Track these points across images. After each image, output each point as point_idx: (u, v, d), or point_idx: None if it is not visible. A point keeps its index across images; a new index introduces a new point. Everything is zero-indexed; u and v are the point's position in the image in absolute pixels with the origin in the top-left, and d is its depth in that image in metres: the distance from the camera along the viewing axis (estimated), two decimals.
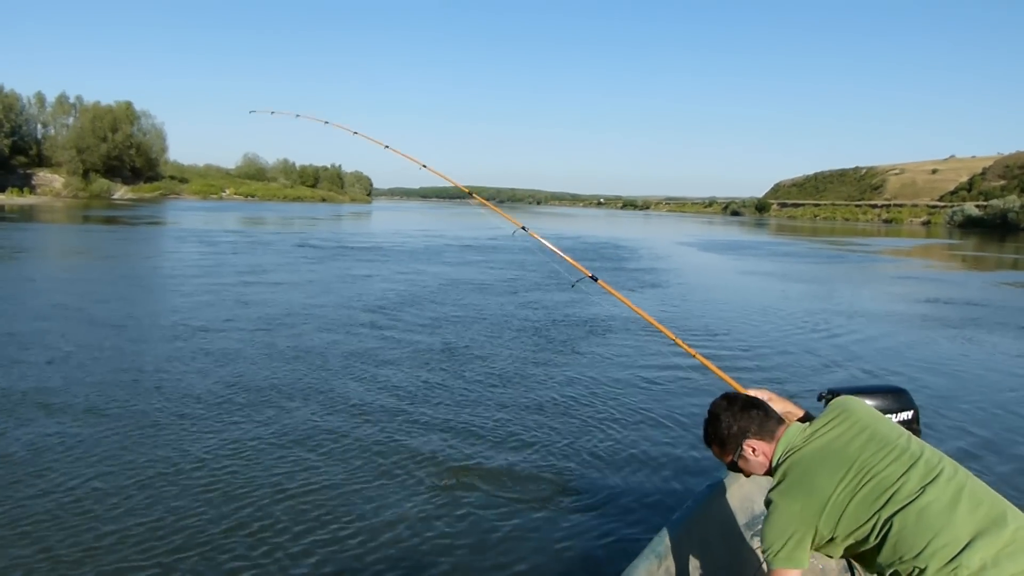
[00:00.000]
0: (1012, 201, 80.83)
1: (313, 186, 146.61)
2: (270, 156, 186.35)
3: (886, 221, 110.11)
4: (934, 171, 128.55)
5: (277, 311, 11.77)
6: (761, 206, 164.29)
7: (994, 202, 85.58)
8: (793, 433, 2.35)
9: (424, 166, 3.71)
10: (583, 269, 3.50)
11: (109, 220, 41.62)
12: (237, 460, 5.29)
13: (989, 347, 10.90)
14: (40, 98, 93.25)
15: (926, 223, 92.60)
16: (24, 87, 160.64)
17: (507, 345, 9.77)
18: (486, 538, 4.33)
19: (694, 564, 2.93)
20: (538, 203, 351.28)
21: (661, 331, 3.42)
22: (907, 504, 2.04)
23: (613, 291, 3.50)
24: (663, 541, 2.84)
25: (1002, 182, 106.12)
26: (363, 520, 4.45)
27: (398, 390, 7.29)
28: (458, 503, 4.75)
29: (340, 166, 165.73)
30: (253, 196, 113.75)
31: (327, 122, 4.07)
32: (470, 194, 3.49)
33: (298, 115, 4.23)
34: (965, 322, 13.11)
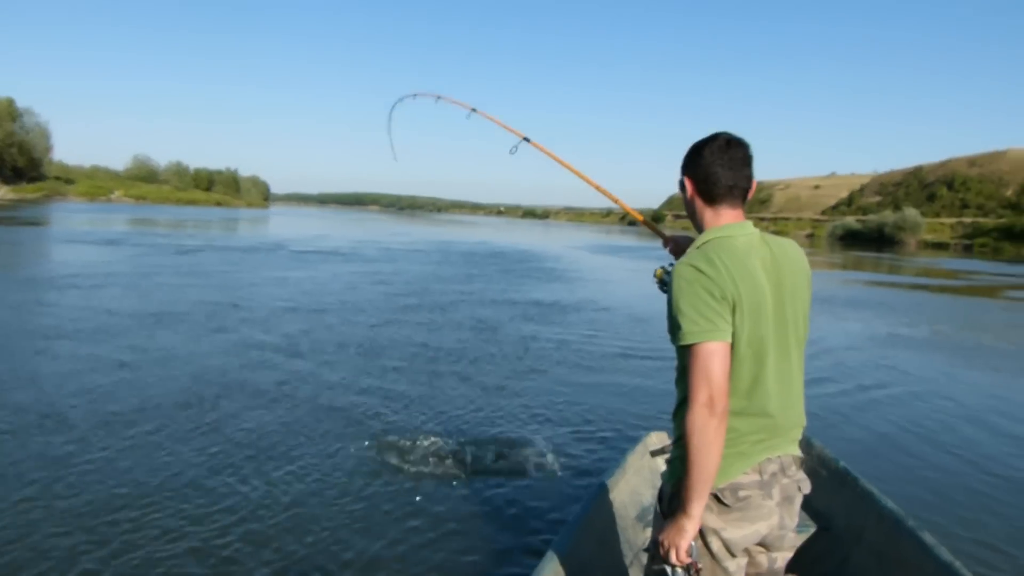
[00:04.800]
0: (887, 216, 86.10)
1: (207, 190, 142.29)
2: (161, 158, 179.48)
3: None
4: (817, 187, 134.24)
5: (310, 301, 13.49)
6: (656, 217, 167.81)
7: (871, 217, 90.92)
8: (745, 230, 2.09)
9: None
10: (517, 132, 3.51)
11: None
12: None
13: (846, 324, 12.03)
14: None
15: (810, 236, 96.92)
16: None
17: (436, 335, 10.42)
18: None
19: (595, 563, 2.95)
20: (439, 210, 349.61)
21: (601, 191, 3.34)
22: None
23: (547, 152, 3.46)
24: (564, 543, 2.81)
25: (878, 198, 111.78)
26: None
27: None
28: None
29: (236, 170, 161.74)
30: (144, 199, 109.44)
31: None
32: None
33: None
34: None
